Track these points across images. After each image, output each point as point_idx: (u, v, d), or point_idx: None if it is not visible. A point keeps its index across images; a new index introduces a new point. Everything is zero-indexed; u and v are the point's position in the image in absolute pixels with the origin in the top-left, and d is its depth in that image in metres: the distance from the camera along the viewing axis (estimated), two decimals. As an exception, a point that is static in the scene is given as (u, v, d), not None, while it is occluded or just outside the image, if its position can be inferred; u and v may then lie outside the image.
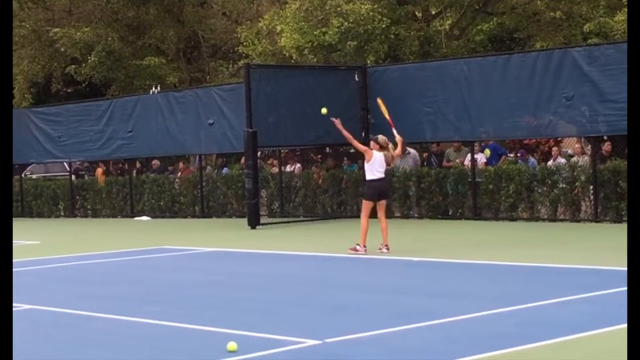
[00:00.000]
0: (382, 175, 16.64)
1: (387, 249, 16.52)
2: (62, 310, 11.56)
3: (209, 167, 30.15)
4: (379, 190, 16.70)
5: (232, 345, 8.46)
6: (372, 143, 16.85)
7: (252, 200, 23.27)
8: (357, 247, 16.48)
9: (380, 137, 16.89)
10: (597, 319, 9.59)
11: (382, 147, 16.66)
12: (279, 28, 31.00)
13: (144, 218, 29.18)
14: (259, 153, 24.86)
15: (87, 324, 10.67)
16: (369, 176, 16.63)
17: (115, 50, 37.66)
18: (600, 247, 16.62)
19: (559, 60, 21.45)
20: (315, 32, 29.71)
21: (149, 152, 29.78)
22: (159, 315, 10.75)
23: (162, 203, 29.52)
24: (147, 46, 39.11)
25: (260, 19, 34.32)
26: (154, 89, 29.76)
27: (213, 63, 41.28)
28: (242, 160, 26.40)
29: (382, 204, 16.74)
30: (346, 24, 28.90)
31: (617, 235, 18.56)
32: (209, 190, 28.54)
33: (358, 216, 24.71)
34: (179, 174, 30.16)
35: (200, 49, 41.12)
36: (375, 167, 16.53)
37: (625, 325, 9.21)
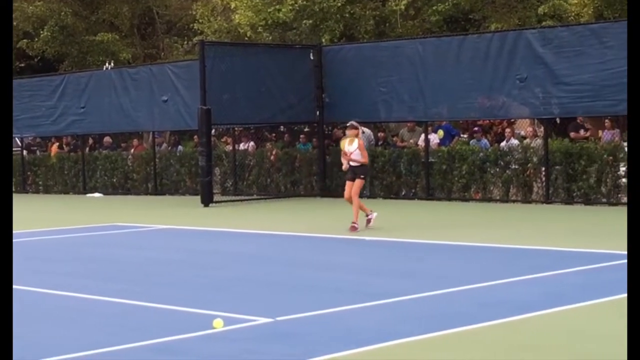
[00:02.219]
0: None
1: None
2: (13, 287, 11.46)
3: (164, 144, 30.00)
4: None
5: (218, 322, 8.45)
6: (354, 131, 17.15)
7: (205, 178, 23.22)
8: (356, 224, 16.67)
9: (352, 122, 17.47)
10: (547, 299, 9.67)
11: (359, 129, 17.41)
12: (232, 5, 30.87)
13: (96, 195, 29.01)
14: (213, 131, 24.80)
15: (39, 301, 10.61)
16: (365, 159, 17.13)
17: (68, 25, 37.30)
18: (551, 228, 16.76)
19: (513, 41, 21.56)
20: (269, 10, 29.62)
21: (102, 128, 29.59)
22: (113, 293, 10.70)
23: (114, 180, 29.36)
24: (100, 21, 38.76)
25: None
26: (107, 64, 29.53)
27: (168, 40, 41.00)
28: (196, 138, 26.31)
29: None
30: (300, 1, 28.84)
31: (567, 217, 18.76)
32: (162, 168, 28.42)
33: (312, 195, 24.85)
34: (132, 150, 29.99)
35: (154, 25, 40.84)
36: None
37: (576, 305, 9.33)
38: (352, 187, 16.91)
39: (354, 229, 16.54)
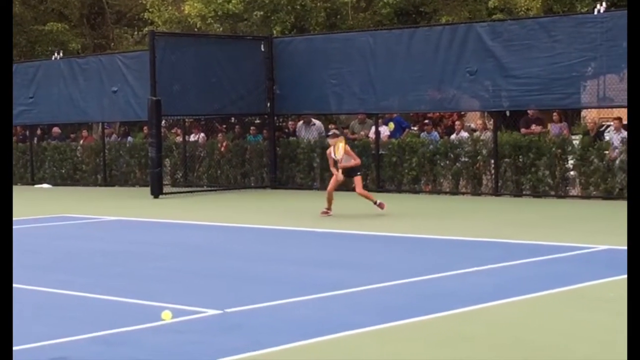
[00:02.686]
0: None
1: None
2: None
3: (113, 135, 29.79)
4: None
5: (166, 314, 8.40)
6: (339, 138, 17.86)
7: (155, 169, 23.10)
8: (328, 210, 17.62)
9: (333, 131, 18.76)
10: (496, 290, 9.73)
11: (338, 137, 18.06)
12: (182, -5, 30.78)
13: (45, 186, 28.77)
14: (163, 122, 24.67)
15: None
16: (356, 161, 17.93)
17: (16, 14, 36.89)
18: (500, 221, 16.87)
19: (463, 35, 21.65)
20: (219, 1, 29.52)
21: (51, 119, 29.31)
22: (60, 285, 10.62)
23: (63, 171, 29.13)
24: (49, 11, 38.41)
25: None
26: (56, 54, 29.26)
27: (117, 30, 40.74)
28: (146, 129, 26.16)
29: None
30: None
31: (516, 209, 18.89)
32: (112, 159, 28.24)
33: (262, 186, 24.81)
34: (81, 141, 29.76)
35: (104, 15, 40.55)
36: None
37: (525, 296, 9.39)
38: (356, 187, 17.78)
39: (382, 206, 17.54)
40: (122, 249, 14.10)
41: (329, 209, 17.67)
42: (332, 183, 17.87)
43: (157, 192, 23.00)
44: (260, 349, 7.42)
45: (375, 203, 17.68)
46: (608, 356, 7.13)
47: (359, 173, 17.96)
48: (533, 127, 21.46)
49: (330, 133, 18.35)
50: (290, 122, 26.48)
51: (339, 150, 17.55)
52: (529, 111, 21.86)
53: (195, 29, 30.86)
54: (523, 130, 21.65)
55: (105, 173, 28.18)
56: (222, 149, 25.94)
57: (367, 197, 17.89)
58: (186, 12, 30.70)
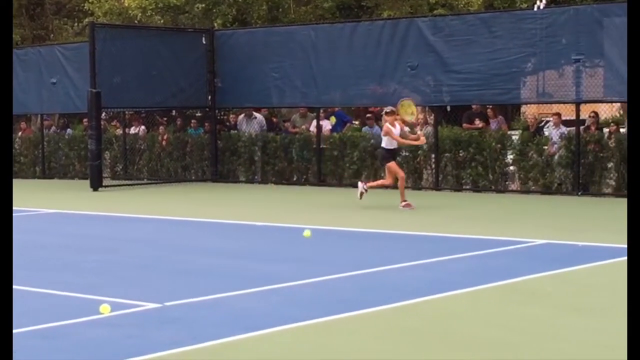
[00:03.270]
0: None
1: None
2: None
3: (53, 127, 29.49)
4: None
5: (104, 307, 8.34)
6: (388, 117, 17.33)
7: (94, 161, 22.91)
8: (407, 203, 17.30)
9: (392, 107, 17.71)
10: (434, 284, 9.79)
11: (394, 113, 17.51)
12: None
13: (-18, 178, 28.39)
14: (103, 114, 24.47)
15: None
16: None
17: (-46, 4, 36.32)
18: (440, 215, 16.95)
19: (404, 29, 21.72)
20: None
21: (-11, 110, 28.90)
22: (-5, 277, 10.49)
23: (1, 163, 28.75)
24: (-13, 1, 37.88)
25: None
26: (-6, 45, 28.85)
27: (57, 21, 40.31)
28: (86, 121, 25.94)
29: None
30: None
31: (456, 203, 19.00)
32: (51, 151, 27.98)
33: (202, 180, 24.72)
34: (20, 133, 29.43)
35: (43, 6, 40.07)
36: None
37: (463, 290, 9.45)
38: (397, 172, 17.59)
39: (408, 206, 17.22)
40: (60, 242, 13.97)
41: (406, 200, 17.30)
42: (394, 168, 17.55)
43: (96, 185, 22.82)
44: (199, 342, 7.40)
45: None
46: (544, 348, 7.19)
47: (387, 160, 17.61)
48: (477, 121, 21.57)
49: (387, 110, 17.57)
50: (231, 116, 26.38)
51: (395, 125, 17.27)
52: (472, 106, 22.00)
53: (136, 21, 30.64)
54: (465, 125, 21.79)
55: (44, 165, 27.91)
56: (163, 142, 25.80)
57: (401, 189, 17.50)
58: (126, 4, 30.47)
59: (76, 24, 40.07)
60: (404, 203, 17.32)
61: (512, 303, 8.98)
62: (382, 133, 17.62)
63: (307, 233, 8.27)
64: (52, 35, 39.38)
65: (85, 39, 26.97)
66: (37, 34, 38.96)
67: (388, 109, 17.71)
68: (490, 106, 21.86)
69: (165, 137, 25.86)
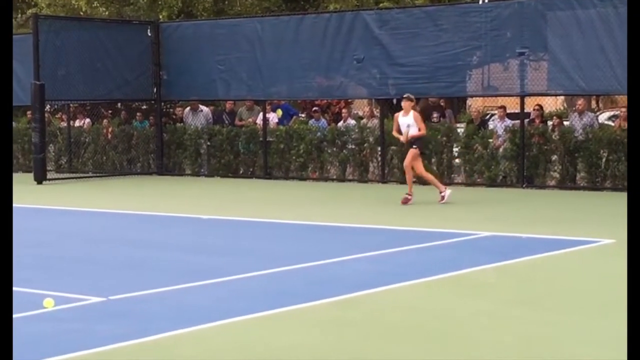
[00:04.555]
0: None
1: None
2: None
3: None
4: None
5: (48, 302, 8.26)
6: (406, 102, 16.99)
7: (38, 154, 22.69)
8: (443, 193, 17.05)
9: (408, 94, 17.35)
10: (380, 276, 9.81)
11: (413, 101, 17.30)
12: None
13: None
14: (47, 107, 24.24)
15: None
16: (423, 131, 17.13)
17: None
18: (386, 208, 16.99)
19: (350, 22, 21.73)
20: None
21: None
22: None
23: (-57, 156, 28.41)
24: None
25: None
26: None
27: (0, 12, 39.85)
28: (29, 114, 25.67)
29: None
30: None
31: (401, 196, 19.05)
32: (-6, 144, 27.63)
33: (148, 173, 24.59)
34: (-38, 126, 29.07)
35: (-14, -3, 39.62)
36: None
37: (409, 282, 9.49)
38: (406, 158, 17.12)
39: (406, 200, 16.86)
40: (3, 236, 13.80)
41: (409, 194, 16.90)
42: (408, 157, 17.06)
43: (40, 178, 22.61)
44: (145, 336, 7.36)
45: (440, 192, 16.98)
46: (487, 340, 7.24)
47: (415, 146, 16.90)
48: (434, 115, 21.60)
49: (405, 95, 17.17)
50: (178, 109, 26.25)
51: (408, 115, 16.86)
52: (429, 99, 22.05)
53: (81, 13, 30.38)
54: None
55: (-14, 158, 27.57)
56: (108, 135, 25.62)
57: (433, 182, 17.27)
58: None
59: (19, 16, 39.63)
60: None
61: (456, 295, 9.02)
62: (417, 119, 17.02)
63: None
64: (-6, 26, 38.90)
65: (29, 31, 26.68)
66: (-21, 26, 38.47)
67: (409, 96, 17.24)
68: (442, 99, 21.96)
69: (109, 129, 25.67)
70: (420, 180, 17.78)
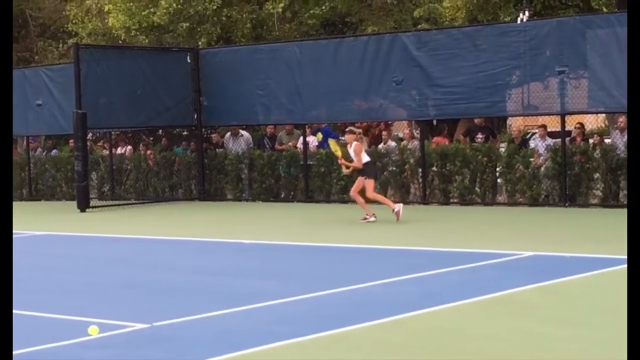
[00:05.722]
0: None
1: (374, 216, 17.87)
2: None
3: (39, 149, 29.45)
4: (375, 167, 19.23)
5: (93, 329, 8.30)
6: (351, 136, 17.99)
7: (81, 182, 22.87)
8: (367, 216, 17.76)
9: (354, 128, 18.49)
10: (423, 298, 9.78)
11: (356, 134, 18.12)
12: (106, 8, 30.53)
13: (-31, 201, 28.30)
14: (89, 135, 24.44)
15: None
16: (366, 159, 17.94)
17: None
18: (428, 229, 16.96)
19: (389, 44, 21.76)
20: (143, 13, 29.38)
21: (-26, 133, 28.83)
22: (-17, 301, 10.44)
23: (-12, 186, 28.69)
24: (-29, 24, 37.85)
25: (88, -4, 33.70)
26: (-21, 68, 28.82)
27: (42, 42, 40.29)
28: (72, 142, 25.90)
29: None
30: (174, 5, 28.70)
31: (444, 217, 19.01)
32: (38, 173, 27.93)
33: (190, 199, 24.70)
34: (6, 155, 29.34)
35: (28, 27, 40.06)
36: (364, 153, 18.02)
37: (452, 304, 9.45)
38: (353, 187, 18.21)
39: (364, 219, 17.72)
40: (47, 264, 13.94)
41: (367, 214, 17.82)
42: (354, 186, 18.22)
43: (83, 206, 22.78)
44: (188, 362, 7.38)
45: (393, 210, 17.66)
46: (534, 361, 7.20)
47: (364, 177, 17.92)
48: (479, 136, 21.54)
49: (347, 130, 18.42)
50: (213, 135, 26.35)
51: (351, 147, 17.94)
52: (475, 120, 22.00)
53: (120, 41, 30.66)
54: (462, 138, 21.83)
55: (30, 187, 27.86)
56: (149, 161, 25.79)
57: (383, 202, 18.11)
58: (110, 24, 30.49)
59: (61, 45, 40.02)
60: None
61: (500, 316, 8.98)
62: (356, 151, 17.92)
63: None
64: (36, 56, 39.35)
65: (70, 60, 26.95)
66: (21, 56, 38.93)
67: (349, 129, 18.29)
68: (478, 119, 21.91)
69: (149, 153, 25.83)
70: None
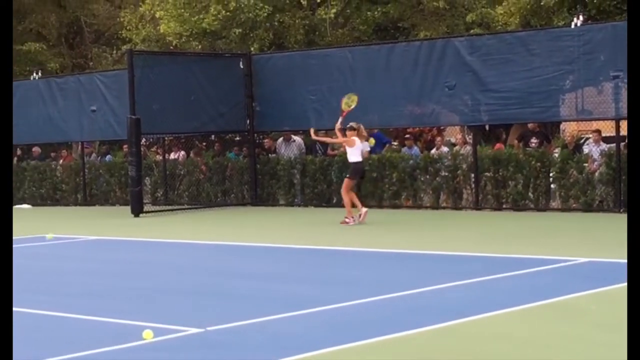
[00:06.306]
0: (362, 158, 19.32)
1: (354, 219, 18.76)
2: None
3: (93, 154, 29.73)
4: (362, 170, 19.63)
5: (147, 333, 8.36)
6: (348, 132, 18.93)
7: (135, 188, 23.03)
8: (347, 220, 18.68)
9: (354, 123, 19.10)
10: (477, 304, 9.73)
11: (357, 132, 18.96)
12: (157, 14, 30.75)
13: (25, 206, 28.65)
14: (142, 140, 24.61)
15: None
16: (354, 158, 18.98)
17: (-6, 34, 36.76)
18: (481, 235, 16.88)
19: (441, 49, 21.71)
20: (194, 19, 29.56)
21: (30, 139, 29.19)
22: (40, 305, 10.55)
23: (43, 191, 29.03)
24: (27, 31, 38.34)
25: (141, 3, 33.95)
26: (34, 74, 29.18)
27: (96, 49, 40.70)
28: (126, 148, 26.11)
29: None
30: (223, 12, 28.85)
31: (497, 223, 18.92)
32: (92, 178, 28.18)
33: (242, 204, 24.78)
34: (61, 161, 29.68)
35: (82, 34, 40.51)
36: (358, 150, 18.94)
37: (506, 310, 9.39)
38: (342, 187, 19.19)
39: (344, 223, 18.62)
40: (102, 268, 14.05)
41: (347, 217, 18.75)
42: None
43: (137, 211, 22.94)
44: (241, 366, 7.40)
45: (360, 212, 18.58)
46: (589, 368, 7.14)
47: (347, 175, 19.17)
48: (533, 141, 21.43)
49: (348, 126, 19.18)
50: (265, 140, 26.43)
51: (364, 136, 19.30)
52: (528, 125, 21.88)
53: (171, 47, 30.87)
54: (516, 143, 21.70)
55: (85, 192, 28.11)
56: (202, 167, 25.93)
57: (353, 204, 18.85)
58: (162, 30, 30.72)
59: (115, 52, 40.46)
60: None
61: (554, 322, 8.91)
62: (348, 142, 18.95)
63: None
64: (91, 63, 39.78)
65: (124, 66, 27.19)
66: (76, 63, 39.37)
67: (350, 126, 19.07)
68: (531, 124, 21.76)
69: (202, 163, 25.97)
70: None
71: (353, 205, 18.92)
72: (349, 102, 19.64)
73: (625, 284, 10.82)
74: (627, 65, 6.36)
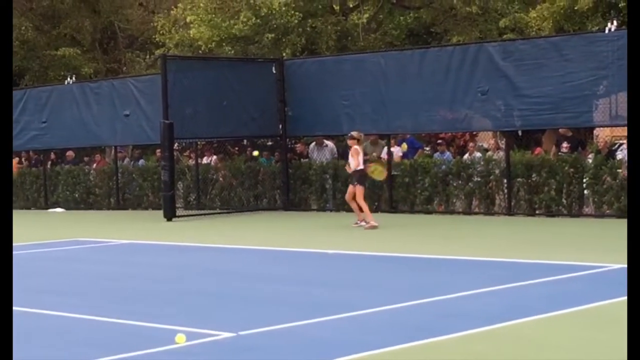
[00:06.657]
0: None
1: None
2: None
3: (126, 159, 29.88)
4: (366, 176, 19.68)
5: (180, 337, 8.39)
6: (349, 141, 19.31)
7: (168, 192, 23.11)
8: (372, 223, 18.98)
9: (354, 133, 19.47)
10: (510, 310, 9.70)
11: (358, 141, 19.18)
12: (188, 19, 30.87)
13: (58, 210, 28.82)
14: (175, 145, 24.71)
15: None
16: (360, 166, 19.15)
17: (30, 39, 37.08)
18: (514, 240, 16.82)
19: (474, 54, 21.65)
20: (224, 24, 29.64)
21: (64, 143, 29.38)
22: (74, 309, 10.60)
23: (76, 195, 29.19)
24: (62, 36, 38.58)
25: (174, 7, 34.11)
26: (69, 79, 29.37)
27: (129, 54, 40.90)
28: (159, 152, 26.20)
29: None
30: (253, 18, 28.94)
31: (530, 228, 18.84)
32: (125, 182, 28.31)
33: (274, 208, 24.82)
34: (94, 165, 29.84)
35: (116, 39, 40.72)
36: (361, 158, 19.20)
37: (539, 316, 9.35)
38: (347, 193, 19.54)
39: (370, 227, 18.86)
40: (134, 272, 14.10)
41: (359, 220, 19.30)
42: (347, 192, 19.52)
43: (170, 215, 23.02)
44: (273, 371, 7.41)
45: (355, 222, 19.12)
46: (623, 375, 7.10)
47: (355, 183, 19.17)
48: (564, 145, 21.33)
49: (348, 135, 19.61)
50: (297, 145, 26.45)
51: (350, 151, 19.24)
52: (559, 130, 21.79)
53: (200, 51, 30.98)
54: (547, 148, 21.59)
55: (118, 196, 28.24)
56: (220, 178, 26.07)
57: (359, 210, 19.23)
58: (192, 35, 30.85)
59: (148, 57, 40.63)
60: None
61: (588, 329, 8.87)
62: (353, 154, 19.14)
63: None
64: (124, 68, 39.97)
65: (157, 71, 27.31)
66: (110, 67, 39.57)
67: (350, 135, 19.44)
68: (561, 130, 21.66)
69: (223, 170, 26.09)
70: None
71: (360, 210, 19.26)
72: (374, 172, 19.97)
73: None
74: (628, 65, 6.31)
